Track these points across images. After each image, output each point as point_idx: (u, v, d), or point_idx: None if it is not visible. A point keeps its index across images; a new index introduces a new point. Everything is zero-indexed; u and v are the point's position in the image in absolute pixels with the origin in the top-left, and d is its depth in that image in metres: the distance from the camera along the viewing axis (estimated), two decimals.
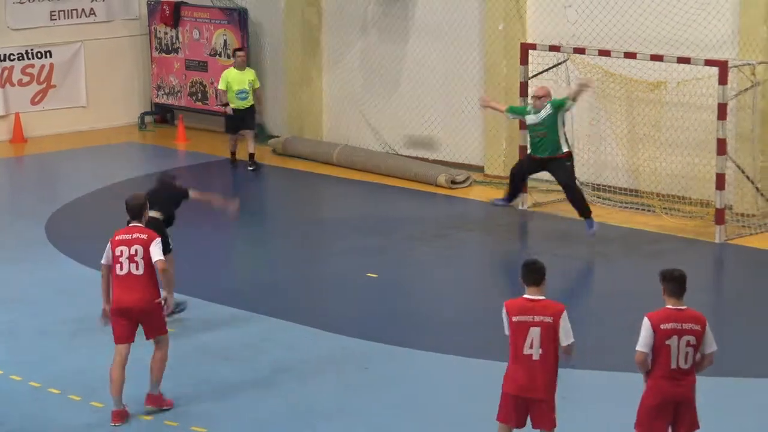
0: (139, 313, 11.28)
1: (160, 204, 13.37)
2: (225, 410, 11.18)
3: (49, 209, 19.18)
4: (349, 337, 13.33)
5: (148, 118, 24.22)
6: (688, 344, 8.76)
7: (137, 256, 11.26)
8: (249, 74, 21.25)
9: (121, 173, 21.60)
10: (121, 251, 11.36)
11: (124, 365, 11.27)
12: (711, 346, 8.82)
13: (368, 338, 13.20)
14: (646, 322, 8.83)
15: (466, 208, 19.17)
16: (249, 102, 21.11)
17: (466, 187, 19.99)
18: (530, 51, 18.56)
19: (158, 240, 11.52)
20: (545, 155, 16.84)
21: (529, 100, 17.34)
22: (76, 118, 23.91)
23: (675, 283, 8.94)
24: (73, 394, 11.80)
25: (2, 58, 23.29)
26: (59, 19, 23.77)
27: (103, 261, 11.54)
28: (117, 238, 11.47)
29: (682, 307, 8.78)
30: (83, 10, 23.84)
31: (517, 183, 17.43)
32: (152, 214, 12.77)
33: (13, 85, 23.39)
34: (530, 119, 16.99)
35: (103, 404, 11.36)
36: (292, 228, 18.61)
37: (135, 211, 11.62)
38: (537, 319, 9.11)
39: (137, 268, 11.24)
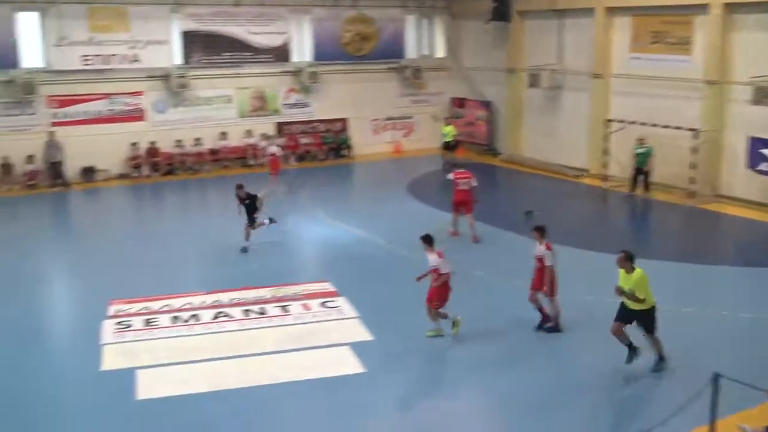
0: (464, 204, 19.31)
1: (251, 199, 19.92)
2: None
3: (408, 179, 28.27)
4: None
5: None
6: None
7: (465, 181, 19.25)
8: (450, 128, 30.34)
9: (430, 167, 30.80)
10: (460, 180, 19.38)
11: (455, 225, 19.18)
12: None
13: None
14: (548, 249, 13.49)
15: (580, 188, 27.31)
16: (449, 139, 30.25)
17: (581, 177, 28.77)
18: (610, 122, 27.55)
19: (474, 177, 18.64)
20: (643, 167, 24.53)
21: (636, 142, 24.78)
22: (426, 142, 34.29)
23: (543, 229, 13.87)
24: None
25: (390, 119, 34.07)
26: (416, 103, 34.22)
27: (449, 176, 19.24)
28: (457, 174, 19.58)
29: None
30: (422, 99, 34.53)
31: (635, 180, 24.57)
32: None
33: (394, 129, 34.30)
34: (638, 150, 24.57)
35: None
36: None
37: (453, 165, 20.66)
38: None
39: (466, 185, 19.26)
